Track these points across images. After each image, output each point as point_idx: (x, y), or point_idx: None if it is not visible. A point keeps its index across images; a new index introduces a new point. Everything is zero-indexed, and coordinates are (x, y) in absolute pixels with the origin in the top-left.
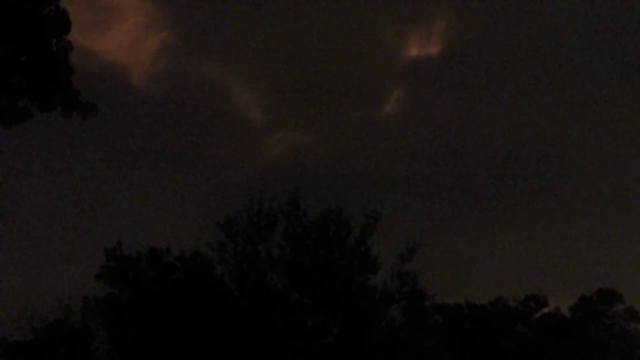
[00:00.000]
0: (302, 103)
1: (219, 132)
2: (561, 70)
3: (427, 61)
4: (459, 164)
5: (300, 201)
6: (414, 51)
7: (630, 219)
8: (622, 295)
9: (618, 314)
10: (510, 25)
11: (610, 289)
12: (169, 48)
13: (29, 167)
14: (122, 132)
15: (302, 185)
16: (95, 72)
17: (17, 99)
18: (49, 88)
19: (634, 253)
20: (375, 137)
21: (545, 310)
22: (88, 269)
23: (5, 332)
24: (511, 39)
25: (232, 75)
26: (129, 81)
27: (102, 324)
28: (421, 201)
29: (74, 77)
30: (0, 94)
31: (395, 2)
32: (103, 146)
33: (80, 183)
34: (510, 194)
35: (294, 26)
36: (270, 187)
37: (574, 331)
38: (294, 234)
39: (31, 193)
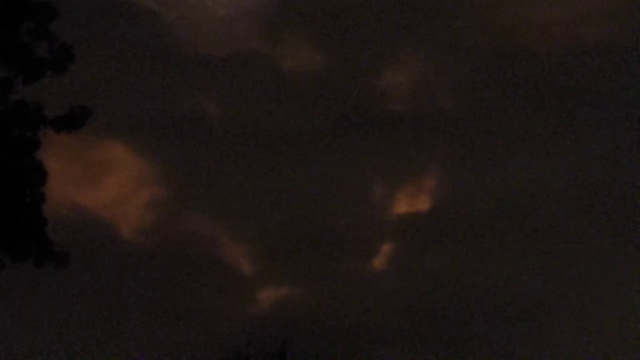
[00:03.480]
0: (292, 256)
1: (208, 285)
2: (551, 224)
3: (416, 217)
4: (449, 317)
5: (287, 354)
6: (403, 207)
7: None
8: None
9: None
10: (499, 182)
11: None
12: (159, 202)
13: (16, 320)
14: (110, 285)
15: (292, 338)
16: (85, 226)
17: None
18: (22, 239)
19: None
20: (366, 290)
21: None
22: None
23: None
24: (499, 195)
25: (221, 228)
26: (119, 235)
27: None
28: (412, 355)
29: (61, 229)
30: None
31: (385, 159)
32: (91, 299)
33: (68, 337)
34: (504, 349)
35: (283, 180)
36: (259, 340)
37: None
38: None
39: (17, 345)
